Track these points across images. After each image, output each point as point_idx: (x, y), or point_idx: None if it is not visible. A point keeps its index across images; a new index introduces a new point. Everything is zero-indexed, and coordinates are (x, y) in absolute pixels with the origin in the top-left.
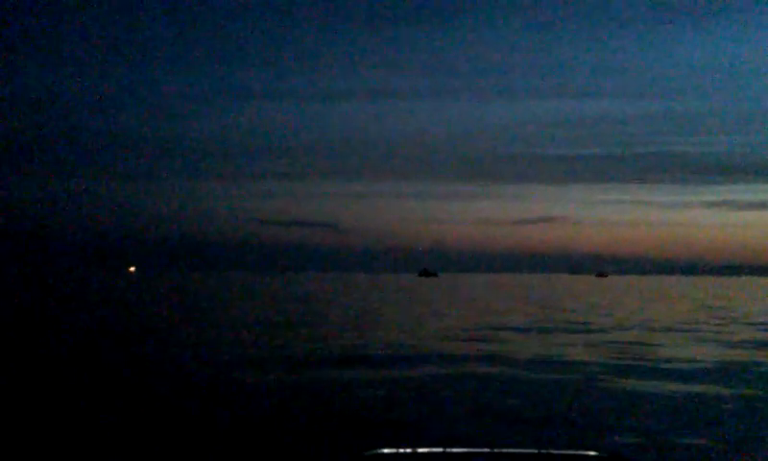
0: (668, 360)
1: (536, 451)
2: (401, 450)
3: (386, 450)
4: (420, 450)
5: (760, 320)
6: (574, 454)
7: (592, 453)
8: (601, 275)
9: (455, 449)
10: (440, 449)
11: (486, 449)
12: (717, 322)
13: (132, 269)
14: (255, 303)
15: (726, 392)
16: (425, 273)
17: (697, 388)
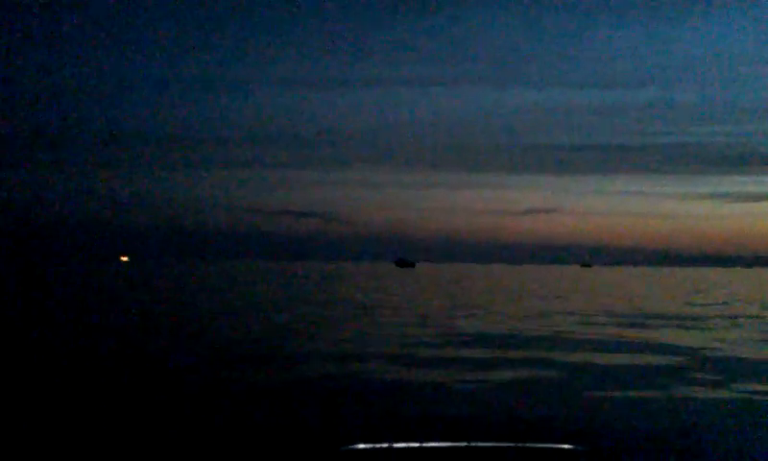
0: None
1: (512, 445)
2: (377, 445)
3: (362, 445)
4: (397, 445)
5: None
6: (550, 448)
7: (567, 446)
8: (585, 265)
9: (432, 444)
10: (416, 444)
11: (463, 443)
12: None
13: (125, 258)
14: (242, 293)
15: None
16: (402, 262)
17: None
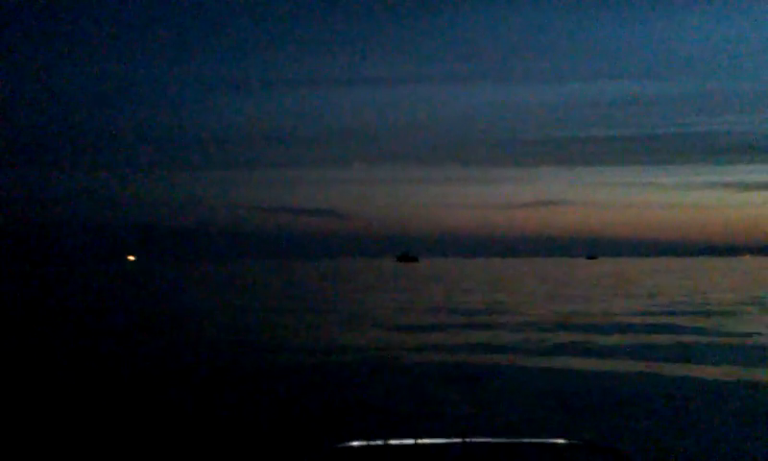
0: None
1: (507, 440)
2: (372, 442)
3: (356, 443)
4: (392, 442)
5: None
6: (544, 442)
7: (561, 441)
8: (591, 257)
9: (426, 440)
10: (411, 441)
11: (458, 439)
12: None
13: (132, 258)
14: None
15: None
16: (405, 258)
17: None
